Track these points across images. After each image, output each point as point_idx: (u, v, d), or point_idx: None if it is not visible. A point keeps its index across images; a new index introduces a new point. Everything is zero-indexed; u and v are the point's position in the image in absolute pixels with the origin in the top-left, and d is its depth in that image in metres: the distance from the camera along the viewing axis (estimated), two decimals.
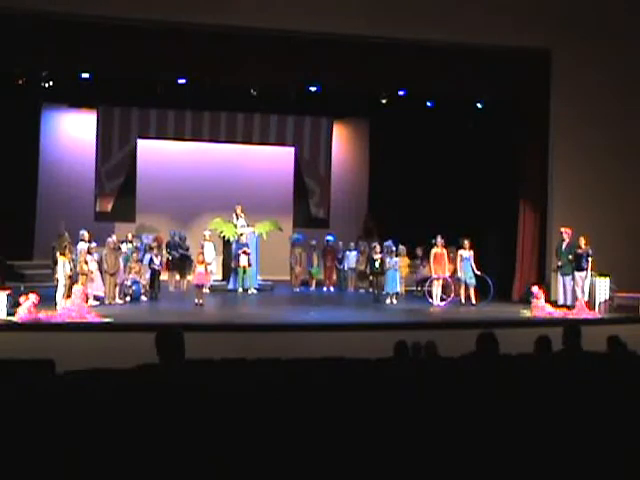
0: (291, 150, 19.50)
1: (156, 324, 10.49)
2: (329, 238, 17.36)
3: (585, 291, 13.22)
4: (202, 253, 14.11)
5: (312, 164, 19.53)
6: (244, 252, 15.37)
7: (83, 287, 11.99)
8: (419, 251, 16.03)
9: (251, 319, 12.31)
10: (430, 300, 14.36)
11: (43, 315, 10.88)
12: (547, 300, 13.25)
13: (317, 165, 19.57)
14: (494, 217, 15.91)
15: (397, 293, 14.58)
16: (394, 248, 14.81)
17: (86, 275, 12.69)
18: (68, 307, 11.14)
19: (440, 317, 13.21)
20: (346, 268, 16.90)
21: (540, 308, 12.84)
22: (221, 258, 16.56)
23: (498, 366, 5.32)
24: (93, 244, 13.30)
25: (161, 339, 4.48)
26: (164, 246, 15.74)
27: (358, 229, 18.91)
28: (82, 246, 13.00)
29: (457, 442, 3.71)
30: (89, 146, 18.13)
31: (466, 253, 14.24)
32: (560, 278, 13.52)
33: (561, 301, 13.35)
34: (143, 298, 13.98)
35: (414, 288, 16.26)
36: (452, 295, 14.62)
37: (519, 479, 3.66)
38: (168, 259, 15.69)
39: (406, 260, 15.76)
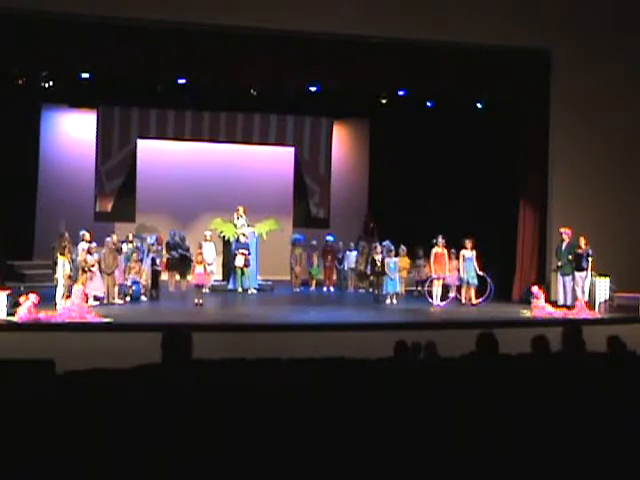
0: (291, 150, 19.49)
1: (156, 324, 10.51)
2: (329, 238, 17.36)
3: (585, 291, 13.22)
4: (201, 253, 14.12)
5: (312, 164, 19.53)
6: (241, 253, 15.36)
7: (83, 287, 12.00)
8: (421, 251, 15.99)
9: (251, 319, 12.31)
10: (430, 300, 14.36)
11: (43, 315, 10.88)
12: (547, 300, 13.25)
13: (317, 165, 19.57)
14: (494, 217, 15.90)
15: (397, 293, 14.58)
16: (392, 248, 14.80)
17: (87, 274, 12.69)
18: (68, 307, 11.14)
19: (440, 317, 13.21)
20: (346, 268, 16.89)
21: (540, 308, 12.84)
22: (221, 258, 16.56)
23: (498, 366, 5.32)
24: (93, 244, 13.29)
25: (168, 339, 4.36)
26: (164, 246, 15.75)
27: (358, 229, 18.91)
28: (83, 246, 12.98)
29: (457, 442, 3.71)
30: (89, 146, 18.11)
31: (468, 253, 14.25)
32: (560, 278, 13.51)
33: (561, 301, 13.35)
34: (143, 298, 13.99)
35: (414, 288, 16.26)
36: (452, 295, 14.64)
37: (519, 479, 3.66)
38: (168, 259, 15.70)
39: (406, 260, 15.75)
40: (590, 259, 13.16)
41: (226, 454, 3.43)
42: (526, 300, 13.72)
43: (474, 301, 14.25)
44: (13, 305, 10.93)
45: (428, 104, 16.79)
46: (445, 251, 14.51)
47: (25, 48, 12.60)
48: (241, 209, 16.22)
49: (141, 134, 18.48)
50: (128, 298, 13.71)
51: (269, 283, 16.46)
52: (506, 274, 15.02)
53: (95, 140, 18.17)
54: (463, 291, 14.45)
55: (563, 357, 5.74)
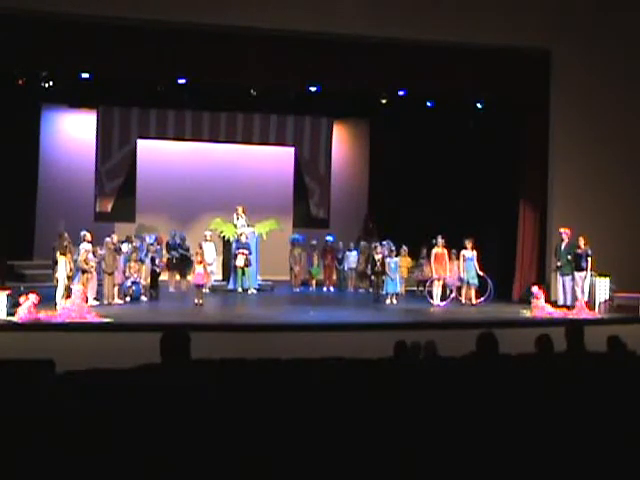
0: (291, 150, 19.50)
1: (156, 324, 10.52)
2: (329, 238, 17.36)
3: (585, 291, 13.22)
4: (201, 253, 14.11)
5: (312, 164, 19.53)
6: (241, 252, 15.36)
7: (83, 287, 11.99)
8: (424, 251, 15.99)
9: (251, 319, 12.31)
10: (430, 300, 14.36)
11: (43, 315, 10.89)
12: (547, 300, 13.26)
13: (317, 165, 19.57)
14: (494, 217, 15.91)
15: (397, 293, 14.58)
16: (393, 247, 14.82)
17: (88, 274, 12.67)
18: (68, 307, 11.15)
19: (440, 317, 13.22)
20: (346, 268, 16.90)
21: (540, 308, 12.85)
22: (221, 258, 16.56)
23: (498, 366, 5.32)
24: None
25: (166, 341, 4.36)
26: (164, 246, 15.75)
27: (358, 229, 18.91)
28: (85, 246, 12.95)
29: (457, 442, 3.71)
30: (89, 146, 18.12)
31: (469, 253, 14.26)
32: (560, 278, 13.52)
33: (561, 301, 13.36)
34: (143, 298, 13.99)
35: (414, 288, 16.26)
36: (452, 295, 14.64)
37: (519, 479, 3.66)
38: (168, 259, 15.70)
39: (407, 260, 15.76)
40: (589, 259, 13.17)
41: (226, 454, 3.43)
42: (526, 300, 13.72)
43: (474, 301, 14.25)
44: (13, 305, 10.94)
45: (428, 104, 16.79)
46: (445, 251, 14.51)
47: (25, 48, 12.60)
48: (240, 209, 16.22)
49: (141, 134, 18.48)
50: (128, 298, 13.70)
51: (269, 283, 16.45)
52: (506, 274, 15.02)
53: (95, 140, 18.17)
54: (463, 291, 14.45)
55: (563, 357, 5.74)
